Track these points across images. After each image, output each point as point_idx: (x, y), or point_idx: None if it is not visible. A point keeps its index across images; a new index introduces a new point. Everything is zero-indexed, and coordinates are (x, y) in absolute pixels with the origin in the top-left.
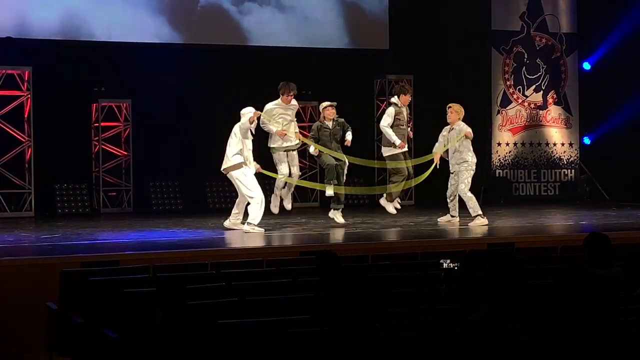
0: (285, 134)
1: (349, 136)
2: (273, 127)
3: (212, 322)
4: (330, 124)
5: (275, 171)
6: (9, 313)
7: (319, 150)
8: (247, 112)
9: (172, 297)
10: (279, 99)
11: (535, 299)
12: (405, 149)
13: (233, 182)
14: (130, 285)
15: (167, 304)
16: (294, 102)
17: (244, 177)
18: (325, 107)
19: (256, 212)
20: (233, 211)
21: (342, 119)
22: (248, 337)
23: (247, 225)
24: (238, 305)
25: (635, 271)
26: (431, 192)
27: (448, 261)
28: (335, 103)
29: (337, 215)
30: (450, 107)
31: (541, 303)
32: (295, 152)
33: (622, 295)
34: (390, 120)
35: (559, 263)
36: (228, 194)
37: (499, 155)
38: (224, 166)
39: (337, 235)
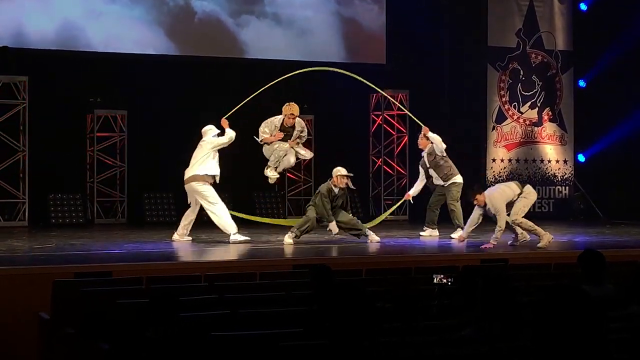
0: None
1: (333, 226)
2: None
3: (205, 334)
4: (337, 190)
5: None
6: (1, 323)
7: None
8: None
9: (165, 308)
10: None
11: (528, 316)
12: None
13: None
14: (123, 296)
15: (160, 316)
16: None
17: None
18: (342, 176)
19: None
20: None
21: (348, 194)
22: (241, 350)
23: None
24: (231, 317)
25: (629, 289)
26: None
27: (441, 276)
28: (352, 175)
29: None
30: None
31: (533, 320)
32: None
33: (615, 313)
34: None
35: (553, 280)
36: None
37: (494, 171)
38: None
39: (331, 249)
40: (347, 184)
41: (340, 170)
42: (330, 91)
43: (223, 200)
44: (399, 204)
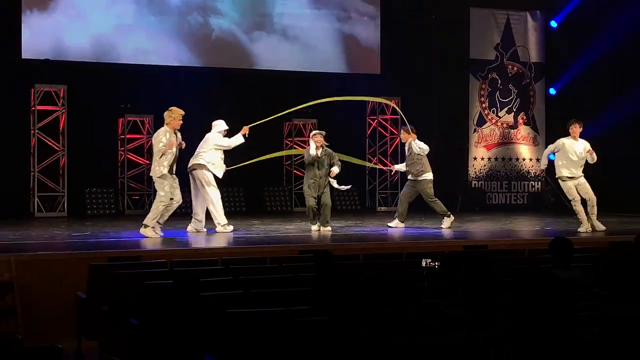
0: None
1: (334, 169)
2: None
3: (222, 311)
4: (319, 152)
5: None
6: (43, 301)
7: (305, 183)
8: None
9: (186, 289)
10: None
11: (505, 295)
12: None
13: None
14: (150, 278)
15: (182, 295)
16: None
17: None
18: (314, 134)
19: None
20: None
21: (331, 150)
22: (253, 325)
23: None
24: (244, 297)
25: (594, 272)
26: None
27: (429, 260)
28: (324, 132)
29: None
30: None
31: (510, 301)
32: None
33: (582, 294)
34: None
35: (527, 264)
36: (237, 199)
37: (475, 169)
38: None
39: (332, 236)
40: (323, 143)
41: (313, 132)
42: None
43: (237, 193)
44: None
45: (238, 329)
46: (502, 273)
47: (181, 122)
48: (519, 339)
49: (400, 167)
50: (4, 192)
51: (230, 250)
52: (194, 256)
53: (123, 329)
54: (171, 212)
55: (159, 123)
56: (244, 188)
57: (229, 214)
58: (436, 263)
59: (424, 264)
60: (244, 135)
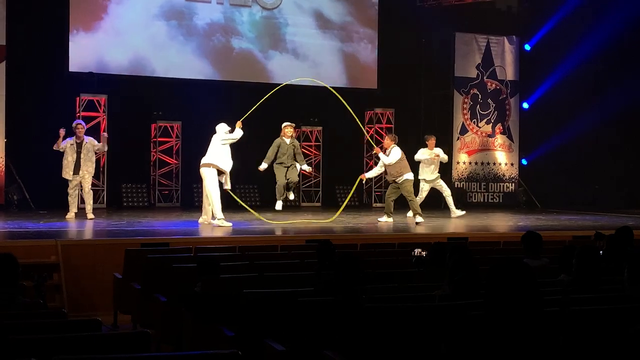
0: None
1: (306, 167)
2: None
3: (238, 291)
4: (288, 140)
5: None
6: (85, 280)
7: (275, 167)
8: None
9: (208, 271)
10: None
11: (483, 282)
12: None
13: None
14: (177, 261)
15: (205, 276)
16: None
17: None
18: (285, 126)
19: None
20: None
21: (296, 141)
22: (265, 304)
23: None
24: (258, 279)
25: (559, 261)
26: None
27: (419, 250)
28: (294, 124)
29: (278, 204)
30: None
31: (486, 285)
32: None
33: (548, 280)
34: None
35: (502, 254)
36: (252, 194)
37: (458, 171)
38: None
39: (334, 227)
40: (292, 134)
41: (285, 123)
42: (334, 108)
43: (253, 190)
44: (354, 187)
45: (252, 306)
46: (480, 261)
47: (77, 131)
48: (492, 317)
49: (369, 173)
50: (53, 187)
51: (247, 238)
52: (215, 243)
53: (153, 305)
54: (73, 201)
55: (186, 129)
56: (259, 185)
57: (243, 206)
58: (424, 253)
59: (415, 253)
60: (241, 128)
